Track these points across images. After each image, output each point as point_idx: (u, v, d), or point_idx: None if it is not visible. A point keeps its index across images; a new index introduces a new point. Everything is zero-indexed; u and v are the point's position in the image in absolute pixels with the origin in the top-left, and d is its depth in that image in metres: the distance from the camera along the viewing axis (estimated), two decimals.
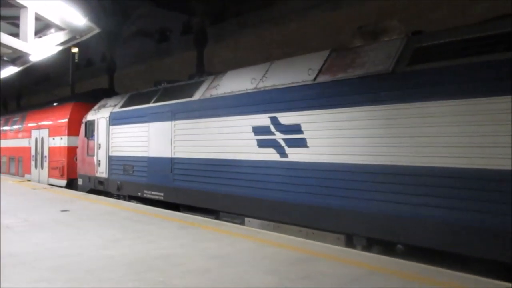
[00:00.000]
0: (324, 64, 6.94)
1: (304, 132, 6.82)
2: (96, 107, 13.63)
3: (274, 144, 7.30)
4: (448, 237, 5.10)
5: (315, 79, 6.83)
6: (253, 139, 7.71)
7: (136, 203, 10.91)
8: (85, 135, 13.36)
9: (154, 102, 10.59)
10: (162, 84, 11.53)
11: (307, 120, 6.79)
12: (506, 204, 4.63)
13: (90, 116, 13.37)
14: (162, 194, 9.99)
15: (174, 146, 9.67)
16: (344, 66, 6.62)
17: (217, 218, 8.56)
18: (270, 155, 7.36)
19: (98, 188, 12.68)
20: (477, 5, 11.35)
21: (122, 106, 11.96)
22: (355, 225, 6.06)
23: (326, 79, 6.68)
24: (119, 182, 11.60)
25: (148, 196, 10.41)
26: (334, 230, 6.38)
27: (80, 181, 13.84)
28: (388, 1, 12.95)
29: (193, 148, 9.08)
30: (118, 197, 11.77)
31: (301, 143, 6.85)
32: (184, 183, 9.30)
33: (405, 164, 5.52)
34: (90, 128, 13.23)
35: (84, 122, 13.64)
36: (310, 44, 12.72)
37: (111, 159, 12.01)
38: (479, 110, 4.92)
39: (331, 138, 6.44)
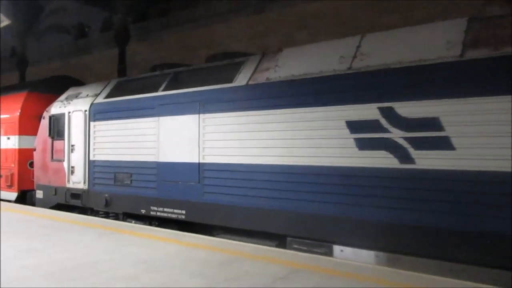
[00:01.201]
0: (467, 35, 5.07)
1: (446, 128, 4.89)
2: (62, 97, 10.58)
3: (388, 145, 5.28)
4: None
5: (461, 55, 4.92)
6: (347, 137, 5.62)
7: (135, 223, 8.27)
8: (49, 134, 10.26)
9: (165, 89, 8.03)
10: (157, 70, 9.00)
11: (450, 111, 4.87)
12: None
13: (55, 110, 10.30)
14: (182, 211, 7.49)
15: (204, 148, 7.24)
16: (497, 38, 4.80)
17: (279, 245, 6.34)
18: (380, 159, 5.33)
19: (72, 203, 9.70)
20: None
21: (109, 96, 9.17)
22: None
23: (479, 54, 4.81)
24: (107, 196, 8.81)
25: (159, 214, 7.84)
26: None
27: (39, 194, 10.66)
28: (313, 6, 12.52)
29: (239, 150, 6.74)
30: (107, 215, 8.97)
31: (441, 144, 4.92)
32: (222, 198, 6.92)
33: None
34: (56, 125, 10.17)
35: (46, 118, 10.52)
36: (236, 46, 12.31)
37: (94, 165, 9.16)
38: None
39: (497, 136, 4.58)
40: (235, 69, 7.28)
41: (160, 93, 8.05)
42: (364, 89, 5.51)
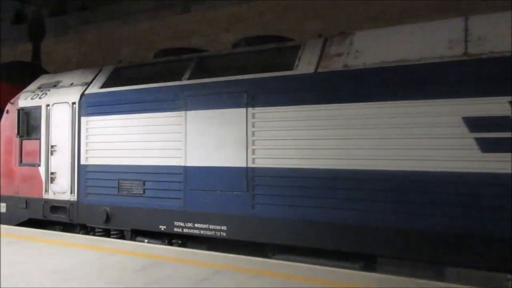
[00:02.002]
0: None
1: None
2: (33, 87, 8.54)
3: None
4: None
5: None
6: (465, 137, 4.66)
7: (149, 242, 6.69)
8: (18, 133, 8.17)
9: (193, 77, 6.54)
10: (164, 56, 7.47)
11: None
12: None
13: (25, 102, 8.25)
14: (223, 227, 6.08)
15: (253, 150, 5.89)
16: None
17: (366, 266, 5.23)
18: None
19: (53, 218, 7.76)
20: None
21: (107, 85, 7.42)
22: None
23: None
24: (107, 208, 7.07)
25: (188, 231, 6.33)
26: None
27: (2, 207, 8.49)
28: (239, 7, 12.71)
29: (307, 151, 5.50)
30: (106, 233, 7.22)
31: None
32: (284, 210, 5.63)
33: None
34: (27, 121, 8.13)
35: (10, 112, 8.41)
36: (161, 44, 11.90)
37: (87, 171, 7.34)
38: None
39: None
40: (291, 54, 6.03)
41: (187, 81, 6.54)
42: (490, 79, 4.59)
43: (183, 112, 6.44)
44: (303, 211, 5.50)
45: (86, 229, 7.48)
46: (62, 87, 8.03)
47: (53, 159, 7.79)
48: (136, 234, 6.94)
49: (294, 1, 11.65)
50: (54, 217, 7.75)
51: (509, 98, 4.48)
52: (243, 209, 5.92)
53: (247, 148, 5.91)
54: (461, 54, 4.81)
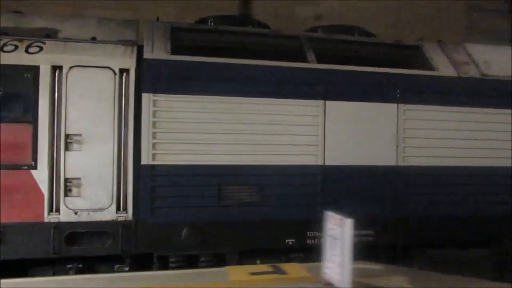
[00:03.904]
0: None
1: None
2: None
3: None
4: None
5: None
6: None
7: (261, 262, 5.32)
8: None
9: (327, 62, 5.55)
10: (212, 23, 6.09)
11: None
12: None
13: (5, 55, 4.68)
14: (370, 231, 5.53)
15: (404, 148, 5.66)
16: None
17: None
18: None
19: (72, 253, 4.77)
20: None
21: (179, 51, 5.20)
22: None
23: None
24: (185, 231, 5.01)
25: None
26: None
27: None
28: None
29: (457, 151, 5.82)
30: (185, 263, 5.08)
31: None
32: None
33: None
34: (5, 90, 4.68)
35: None
36: None
37: (154, 174, 4.93)
38: None
39: None
40: (418, 54, 6.13)
41: (325, 66, 5.48)
42: None
43: (321, 101, 5.40)
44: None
45: (140, 262, 5.02)
46: (75, 40, 4.99)
47: (72, 157, 4.77)
48: (240, 257, 5.25)
49: None
50: (78, 250, 4.78)
51: None
52: (391, 211, 5.61)
53: (397, 145, 5.64)
54: None
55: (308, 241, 5.36)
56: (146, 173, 4.92)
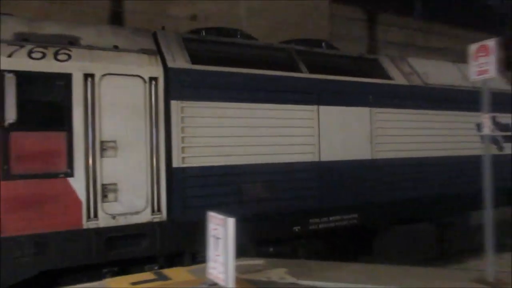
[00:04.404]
0: None
1: None
2: (8, 35, 4.72)
3: None
4: None
5: None
6: None
7: (272, 250, 6.08)
8: (4, 118, 4.39)
9: (318, 73, 6.43)
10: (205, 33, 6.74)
11: None
12: None
13: (23, 62, 4.57)
14: (354, 215, 6.60)
15: (375, 144, 6.84)
16: None
17: None
18: None
19: (116, 256, 4.89)
20: None
21: (197, 61, 5.59)
22: None
23: None
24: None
25: (323, 226, 6.29)
26: None
27: None
28: None
29: (413, 145, 7.21)
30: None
31: None
32: None
33: None
34: (33, 97, 4.60)
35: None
36: None
37: (185, 176, 5.28)
38: None
39: None
40: (377, 66, 7.38)
41: (319, 76, 6.35)
42: None
43: (316, 107, 6.28)
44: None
45: (171, 262, 5.33)
46: (101, 48, 5.05)
47: (107, 163, 4.88)
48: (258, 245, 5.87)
49: None
50: (117, 254, 4.91)
51: None
52: (369, 196, 6.76)
53: (371, 142, 6.80)
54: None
55: (311, 227, 6.21)
56: (177, 175, 5.25)
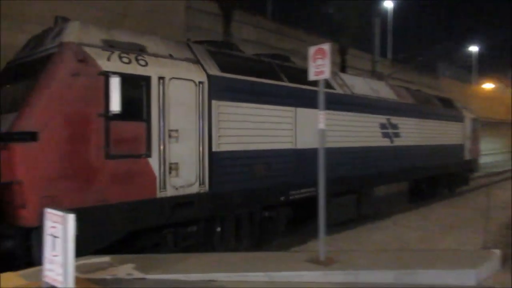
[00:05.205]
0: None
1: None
2: (93, 41, 5.80)
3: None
4: None
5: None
6: (381, 131, 11.29)
7: (268, 214, 8.17)
8: (109, 110, 5.55)
9: (294, 82, 8.59)
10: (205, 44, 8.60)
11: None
12: None
13: (117, 65, 5.75)
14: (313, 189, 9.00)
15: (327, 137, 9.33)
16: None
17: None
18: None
19: (175, 219, 6.34)
20: None
21: (224, 70, 7.26)
22: None
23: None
24: (243, 192, 7.37)
25: (297, 196, 8.55)
26: None
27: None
28: None
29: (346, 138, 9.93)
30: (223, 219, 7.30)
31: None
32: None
33: None
34: (128, 95, 5.80)
35: (85, 74, 5.42)
36: None
37: (220, 158, 6.96)
38: None
39: None
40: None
41: (295, 85, 8.51)
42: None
43: (294, 109, 8.46)
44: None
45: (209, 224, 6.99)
46: (161, 56, 6.38)
47: (173, 147, 6.30)
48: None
49: None
50: (180, 217, 6.38)
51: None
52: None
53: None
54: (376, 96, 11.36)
55: (290, 197, 8.38)
56: (215, 157, 6.89)
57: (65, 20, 6.13)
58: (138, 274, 4.75)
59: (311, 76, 5.71)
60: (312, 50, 5.63)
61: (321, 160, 6.24)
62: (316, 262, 5.46)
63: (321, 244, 5.65)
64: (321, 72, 5.55)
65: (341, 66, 20.01)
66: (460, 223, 9.93)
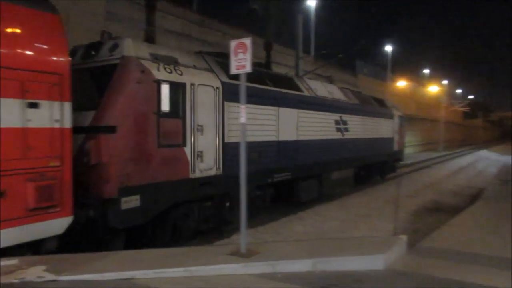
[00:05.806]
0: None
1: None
2: (142, 54, 7.37)
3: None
4: None
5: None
6: (335, 126, 13.71)
7: (259, 193, 10.17)
8: (160, 110, 7.19)
9: (278, 87, 10.59)
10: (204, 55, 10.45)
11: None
12: None
13: (165, 75, 7.37)
14: (288, 174, 11.13)
15: (299, 132, 11.49)
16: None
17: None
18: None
19: (201, 194, 8.08)
20: None
21: (231, 77, 9.07)
22: None
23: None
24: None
25: (278, 179, 10.61)
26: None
27: (131, 201, 6.73)
28: None
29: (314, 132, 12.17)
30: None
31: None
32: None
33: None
34: (172, 98, 7.44)
35: (145, 82, 7.01)
36: None
37: (230, 147, 8.79)
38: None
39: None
40: (293, 83, 11.99)
41: (279, 89, 10.51)
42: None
43: (277, 108, 10.48)
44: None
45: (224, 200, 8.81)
46: (190, 66, 8.03)
47: (199, 138, 8.02)
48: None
49: None
50: (204, 193, 8.13)
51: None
52: (297, 162, 11.40)
53: (297, 129, 11.43)
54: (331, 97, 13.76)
55: (274, 180, 10.41)
56: (226, 146, 8.70)
57: (109, 35, 7.55)
58: (49, 276, 4.55)
59: (233, 70, 5.69)
60: (233, 44, 5.58)
61: (242, 153, 6.59)
62: (238, 255, 5.53)
63: (243, 237, 5.70)
64: (243, 66, 5.50)
65: (266, 61, 19.60)
66: (374, 212, 11.47)
